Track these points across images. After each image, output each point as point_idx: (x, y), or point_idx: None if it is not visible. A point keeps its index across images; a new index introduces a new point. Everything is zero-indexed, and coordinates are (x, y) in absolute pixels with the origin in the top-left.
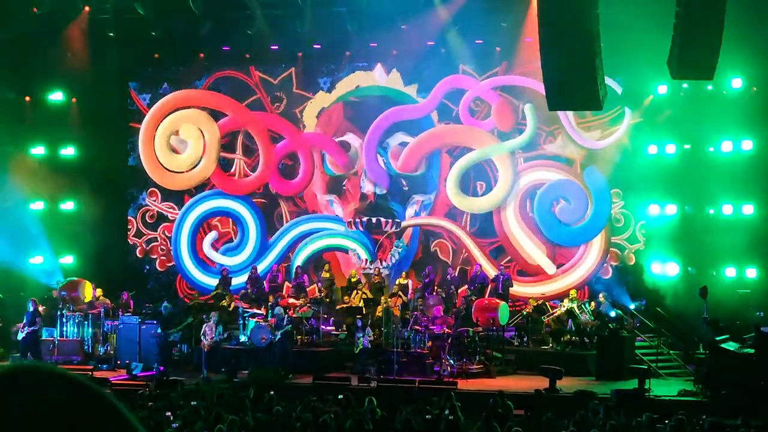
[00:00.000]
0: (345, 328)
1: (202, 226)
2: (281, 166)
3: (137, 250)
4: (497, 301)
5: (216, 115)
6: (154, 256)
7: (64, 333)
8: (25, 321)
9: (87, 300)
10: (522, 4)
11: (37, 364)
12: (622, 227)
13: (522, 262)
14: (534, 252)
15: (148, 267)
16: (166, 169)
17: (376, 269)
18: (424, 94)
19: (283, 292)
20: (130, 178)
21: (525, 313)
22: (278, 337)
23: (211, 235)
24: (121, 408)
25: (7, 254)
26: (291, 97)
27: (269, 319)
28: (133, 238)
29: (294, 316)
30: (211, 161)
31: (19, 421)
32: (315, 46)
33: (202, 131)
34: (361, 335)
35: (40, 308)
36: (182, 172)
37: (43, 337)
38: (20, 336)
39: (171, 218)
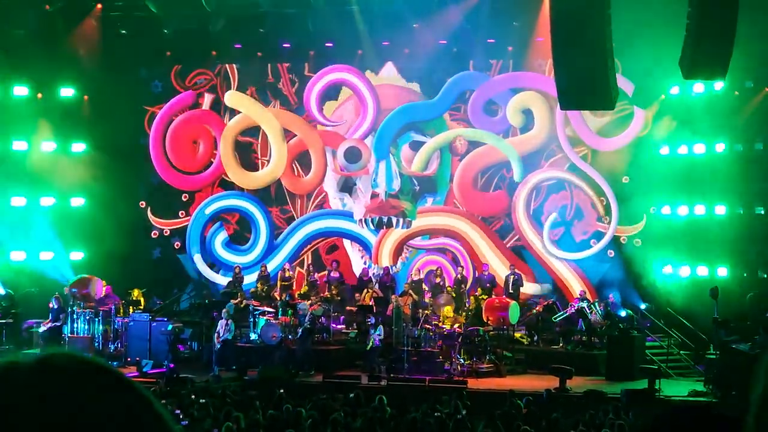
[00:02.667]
0: (356, 327)
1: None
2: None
3: (152, 232)
4: (508, 300)
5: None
6: (167, 234)
7: (75, 330)
8: (51, 318)
9: (97, 297)
10: (534, 4)
11: (83, 356)
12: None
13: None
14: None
15: (158, 255)
16: (177, 169)
17: (385, 269)
18: (435, 93)
19: (293, 291)
20: (142, 161)
21: (535, 312)
22: (299, 333)
23: (222, 236)
24: (160, 408)
25: (18, 250)
26: (303, 80)
27: (280, 317)
28: (153, 217)
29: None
30: (222, 163)
31: (57, 410)
32: (327, 45)
33: (212, 132)
34: (373, 332)
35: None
36: (193, 173)
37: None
38: (41, 330)
39: (184, 199)
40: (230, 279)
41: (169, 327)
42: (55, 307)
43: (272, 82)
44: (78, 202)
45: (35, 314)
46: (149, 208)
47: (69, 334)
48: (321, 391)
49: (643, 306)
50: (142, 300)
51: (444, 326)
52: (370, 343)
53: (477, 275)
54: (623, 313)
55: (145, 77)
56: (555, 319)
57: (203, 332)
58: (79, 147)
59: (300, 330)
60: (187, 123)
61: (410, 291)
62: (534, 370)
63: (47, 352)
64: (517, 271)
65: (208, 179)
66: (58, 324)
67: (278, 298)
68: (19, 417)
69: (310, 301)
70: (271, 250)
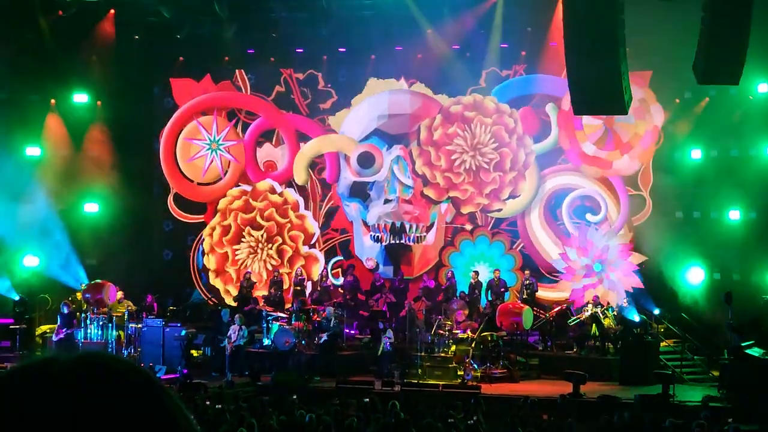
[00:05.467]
0: (369, 332)
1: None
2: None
3: (164, 225)
4: (521, 305)
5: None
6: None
7: (88, 335)
8: (59, 323)
9: (111, 303)
10: (547, 9)
11: (119, 357)
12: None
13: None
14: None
15: (170, 257)
16: (189, 179)
17: (399, 274)
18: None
19: (306, 297)
20: (156, 165)
21: (548, 316)
22: (324, 338)
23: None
24: (187, 411)
25: (32, 256)
26: (316, 94)
27: (293, 322)
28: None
29: (318, 319)
30: (234, 176)
31: (95, 404)
32: (340, 50)
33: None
34: (388, 339)
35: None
36: (206, 184)
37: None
38: (55, 338)
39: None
40: (241, 284)
41: (183, 332)
42: (66, 312)
43: (284, 93)
44: (91, 207)
45: (49, 320)
46: (172, 197)
47: (83, 340)
48: (334, 397)
49: (656, 311)
50: (155, 305)
51: (457, 331)
52: (381, 349)
53: (489, 280)
54: (637, 318)
55: (157, 95)
56: (570, 323)
57: (215, 336)
58: (92, 152)
59: (325, 335)
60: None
61: (423, 296)
62: (547, 375)
63: (86, 351)
64: (531, 276)
65: (223, 190)
66: (71, 330)
67: (292, 303)
68: (59, 409)
69: (326, 306)
70: None
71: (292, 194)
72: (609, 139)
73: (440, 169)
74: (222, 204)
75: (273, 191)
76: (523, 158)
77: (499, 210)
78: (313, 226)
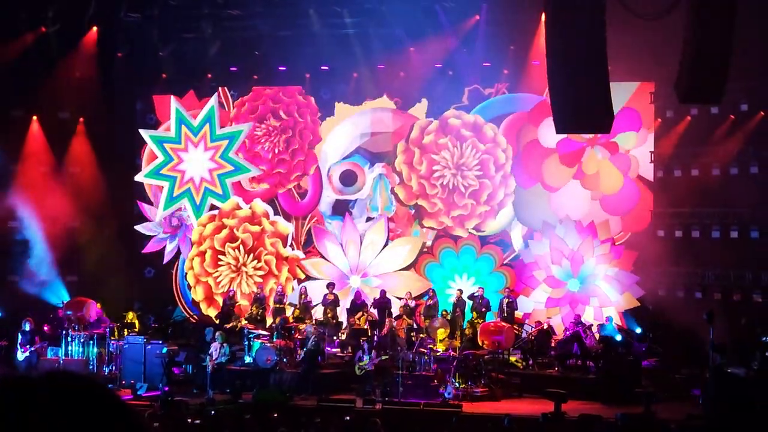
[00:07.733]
0: (350, 350)
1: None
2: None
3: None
4: (503, 324)
5: None
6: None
7: (69, 353)
8: (21, 340)
9: (91, 320)
10: (530, 28)
11: (83, 375)
12: None
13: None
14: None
15: (151, 275)
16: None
17: (382, 292)
18: (432, 117)
19: (287, 314)
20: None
21: (530, 335)
22: (302, 356)
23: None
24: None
25: (11, 273)
26: (299, 110)
27: (275, 340)
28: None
29: (299, 337)
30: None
31: (61, 420)
32: (323, 68)
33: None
34: (367, 357)
35: (45, 327)
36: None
37: (48, 357)
38: (21, 357)
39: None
40: (224, 301)
41: (164, 350)
42: (27, 330)
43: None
44: (72, 223)
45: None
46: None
47: (63, 357)
48: (316, 415)
49: (638, 330)
50: (136, 323)
51: (439, 350)
52: (359, 369)
53: (471, 293)
54: (618, 337)
55: (140, 109)
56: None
57: (196, 354)
58: (74, 169)
59: (302, 352)
60: None
61: (404, 315)
62: (529, 393)
63: (54, 370)
64: (511, 294)
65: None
66: (35, 347)
67: (274, 321)
68: (28, 424)
69: (305, 324)
70: None
71: (260, 205)
72: (576, 148)
73: (418, 173)
74: (195, 235)
75: (239, 207)
76: (500, 197)
77: (458, 238)
78: (288, 228)
